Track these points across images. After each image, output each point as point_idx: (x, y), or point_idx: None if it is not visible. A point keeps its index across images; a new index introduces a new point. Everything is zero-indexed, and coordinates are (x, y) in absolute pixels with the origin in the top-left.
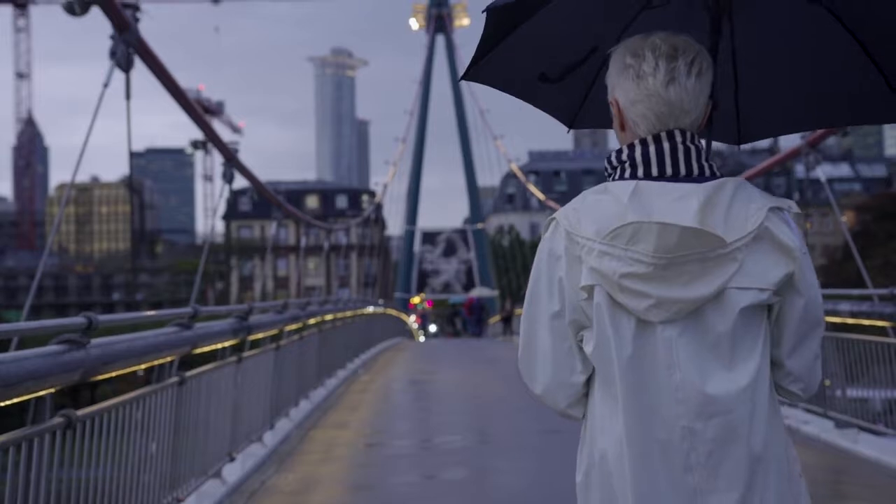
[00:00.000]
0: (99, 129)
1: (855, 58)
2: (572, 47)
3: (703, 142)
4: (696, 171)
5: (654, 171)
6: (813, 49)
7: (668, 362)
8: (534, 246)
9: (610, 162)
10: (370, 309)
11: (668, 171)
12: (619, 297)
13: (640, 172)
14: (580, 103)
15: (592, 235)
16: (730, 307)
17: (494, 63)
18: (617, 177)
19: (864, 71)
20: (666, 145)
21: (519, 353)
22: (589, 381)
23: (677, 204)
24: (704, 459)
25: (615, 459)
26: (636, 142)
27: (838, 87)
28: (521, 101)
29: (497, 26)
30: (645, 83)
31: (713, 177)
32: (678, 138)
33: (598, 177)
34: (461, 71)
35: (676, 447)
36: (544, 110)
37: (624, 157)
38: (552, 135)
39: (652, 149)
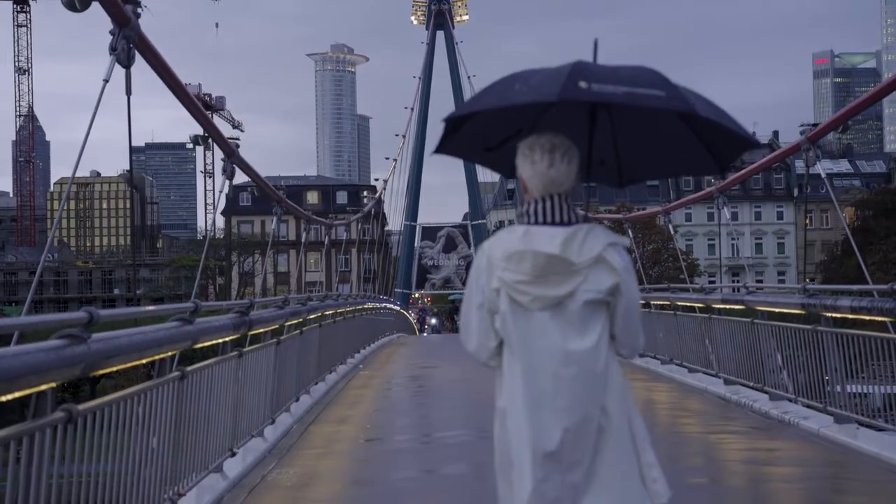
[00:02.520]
0: (99, 124)
1: (684, 132)
2: (505, 129)
3: (581, 197)
4: (566, 219)
5: (541, 220)
6: (664, 130)
7: (542, 333)
8: None
9: (519, 212)
10: (370, 305)
11: (549, 219)
12: (513, 295)
13: (533, 220)
14: (512, 164)
15: (499, 257)
16: (578, 301)
17: (456, 143)
18: (522, 221)
19: (694, 143)
20: (548, 204)
21: (460, 326)
22: (502, 345)
23: (550, 240)
24: (567, 390)
25: (517, 392)
26: (532, 201)
27: (672, 148)
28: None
29: (451, 125)
30: (536, 167)
31: (576, 223)
32: (556, 200)
33: None
34: (462, 65)
35: (550, 384)
36: (491, 168)
37: (524, 210)
38: None
39: (540, 206)
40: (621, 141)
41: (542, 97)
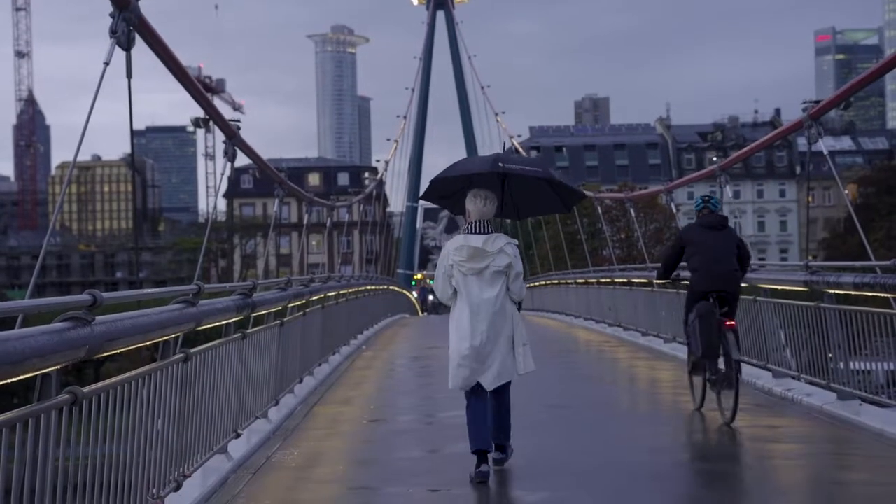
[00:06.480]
0: (100, 107)
1: (548, 190)
2: (456, 188)
3: (497, 219)
4: (488, 230)
5: (474, 231)
6: (536, 188)
7: (473, 286)
8: (535, 223)
9: (463, 228)
10: (373, 286)
11: (478, 231)
12: (458, 268)
13: (470, 231)
14: (460, 206)
15: (452, 250)
16: (490, 271)
17: (432, 193)
18: (464, 232)
19: (553, 196)
20: (479, 224)
21: (433, 284)
22: (454, 294)
23: (477, 240)
24: (486, 314)
25: (461, 318)
26: (471, 222)
27: (542, 199)
28: (522, 79)
29: (433, 185)
30: (477, 206)
31: (493, 232)
32: (484, 222)
33: (600, 151)
34: (462, 47)
35: (477, 313)
36: (447, 209)
37: (466, 227)
38: (553, 110)
39: (475, 225)
40: (517, 195)
41: (481, 168)
